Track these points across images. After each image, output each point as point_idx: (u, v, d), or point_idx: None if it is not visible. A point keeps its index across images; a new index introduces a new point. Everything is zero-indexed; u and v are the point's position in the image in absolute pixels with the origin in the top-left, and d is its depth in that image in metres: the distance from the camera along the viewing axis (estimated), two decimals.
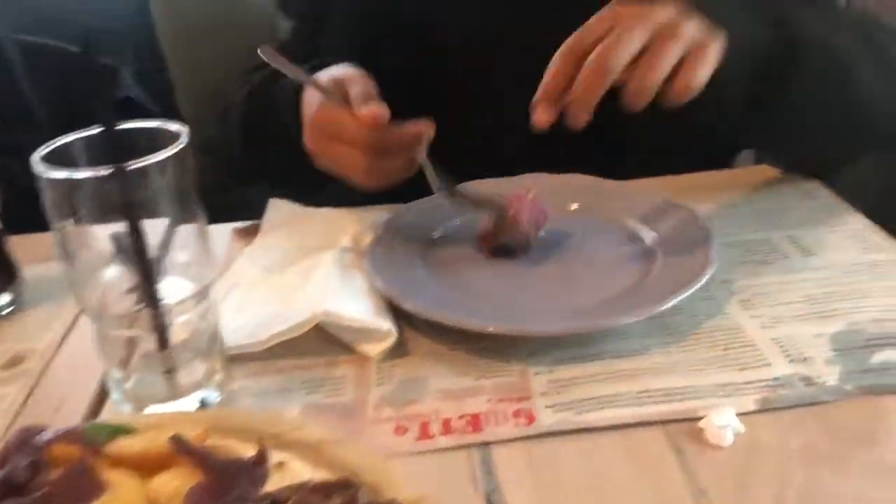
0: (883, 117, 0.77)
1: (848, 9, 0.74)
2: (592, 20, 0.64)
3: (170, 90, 1.53)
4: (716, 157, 0.95)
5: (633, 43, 0.61)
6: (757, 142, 0.84)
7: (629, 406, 0.55)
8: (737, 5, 0.70)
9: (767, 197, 0.84)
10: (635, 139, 0.82)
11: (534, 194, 0.74)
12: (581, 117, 0.62)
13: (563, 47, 0.64)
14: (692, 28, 0.63)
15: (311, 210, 0.85)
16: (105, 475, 0.43)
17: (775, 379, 0.57)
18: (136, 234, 0.52)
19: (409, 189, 0.81)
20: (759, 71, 0.70)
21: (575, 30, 0.65)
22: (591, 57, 0.62)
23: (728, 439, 0.51)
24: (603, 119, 0.62)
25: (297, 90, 0.82)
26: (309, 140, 0.80)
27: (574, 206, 0.81)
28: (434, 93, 0.82)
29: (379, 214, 0.81)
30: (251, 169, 1.01)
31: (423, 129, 0.76)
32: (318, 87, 0.77)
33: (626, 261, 0.72)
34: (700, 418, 0.53)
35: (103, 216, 0.53)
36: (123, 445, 0.48)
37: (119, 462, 0.46)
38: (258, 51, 0.79)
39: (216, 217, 0.84)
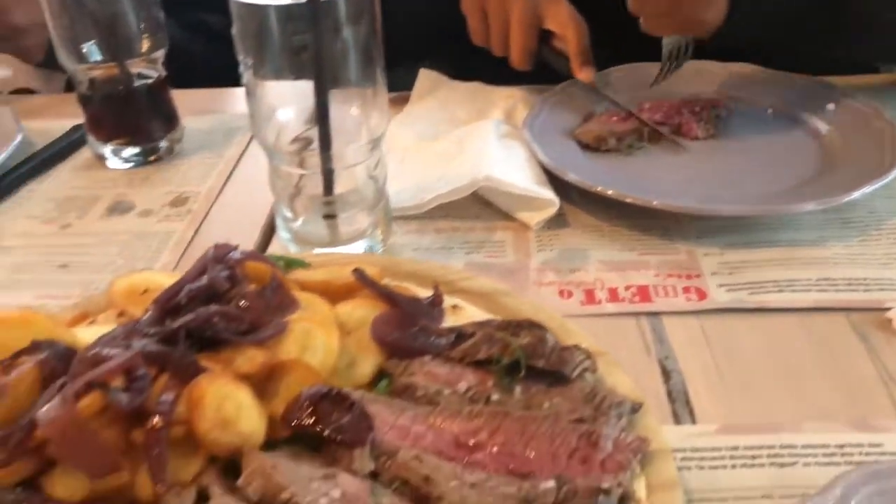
0: None
1: None
2: None
3: None
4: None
5: None
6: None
7: (809, 291, 0.53)
8: None
9: None
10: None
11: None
12: None
13: None
14: None
15: (459, 83, 0.83)
16: (296, 294, 0.44)
17: None
18: (320, 68, 0.51)
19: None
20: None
21: None
22: None
23: None
24: None
25: None
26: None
27: (740, 94, 0.77)
28: None
29: (528, 92, 0.79)
30: None
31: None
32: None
33: (802, 151, 0.68)
34: (887, 309, 0.51)
35: (289, 55, 0.52)
36: (306, 274, 0.49)
37: (305, 287, 0.46)
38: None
39: None
